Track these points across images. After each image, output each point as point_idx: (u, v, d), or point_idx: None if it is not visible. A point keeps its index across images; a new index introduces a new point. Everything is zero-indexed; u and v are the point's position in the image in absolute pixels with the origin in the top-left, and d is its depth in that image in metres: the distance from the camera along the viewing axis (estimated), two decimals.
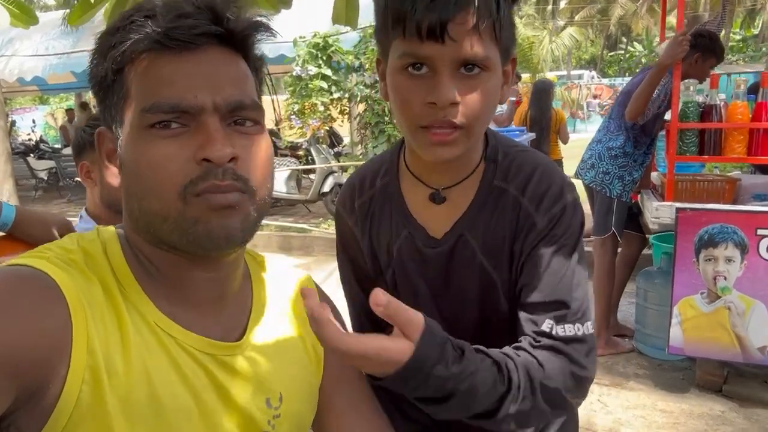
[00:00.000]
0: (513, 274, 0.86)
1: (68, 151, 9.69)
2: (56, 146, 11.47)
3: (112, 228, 0.69)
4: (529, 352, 0.78)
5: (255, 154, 0.64)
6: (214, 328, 0.68)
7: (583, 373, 0.79)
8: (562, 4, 27.73)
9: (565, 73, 21.92)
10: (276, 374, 0.72)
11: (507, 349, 0.79)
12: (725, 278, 2.55)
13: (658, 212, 2.69)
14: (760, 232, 2.48)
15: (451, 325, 0.78)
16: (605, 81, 21.43)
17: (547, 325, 0.80)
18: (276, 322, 0.76)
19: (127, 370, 0.59)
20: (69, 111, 12.21)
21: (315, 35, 6.43)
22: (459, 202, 0.88)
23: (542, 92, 5.58)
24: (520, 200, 0.86)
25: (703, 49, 2.83)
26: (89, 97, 13.61)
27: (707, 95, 2.65)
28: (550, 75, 17.91)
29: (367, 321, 0.97)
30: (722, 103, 2.60)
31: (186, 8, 0.62)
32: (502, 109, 5.84)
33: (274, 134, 8.29)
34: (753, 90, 2.66)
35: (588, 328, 0.82)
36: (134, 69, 0.62)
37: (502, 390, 0.73)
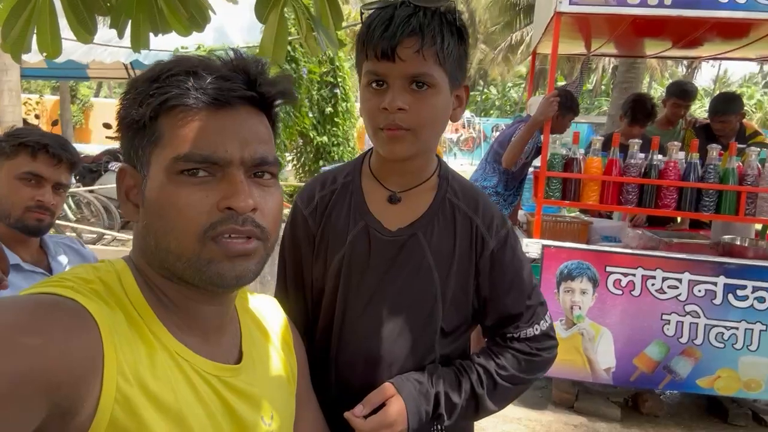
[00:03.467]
0: (457, 282, 1.03)
1: None
2: None
3: (121, 260, 0.73)
4: (493, 352, 1.06)
5: (271, 204, 0.71)
6: (218, 352, 0.74)
7: (536, 359, 1.06)
8: None
9: None
10: (268, 393, 0.79)
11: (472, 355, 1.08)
12: (580, 308, 2.95)
13: (527, 248, 3.03)
14: (608, 268, 2.91)
15: (390, 313, 1.01)
16: (465, 115, 23.05)
17: (509, 333, 1.06)
18: (261, 346, 0.84)
19: (159, 390, 0.64)
20: None
21: (199, 47, 6.26)
22: (414, 206, 1.04)
23: None
24: (473, 218, 1.04)
25: (564, 107, 3.29)
26: None
27: (570, 149, 3.06)
28: None
29: (294, 290, 1.10)
30: (581, 156, 3.02)
31: (224, 70, 0.69)
32: None
33: None
34: (605, 146, 3.12)
35: (541, 326, 1.07)
36: (170, 118, 0.67)
37: (467, 383, 1.01)
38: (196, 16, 1.99)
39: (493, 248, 1.03)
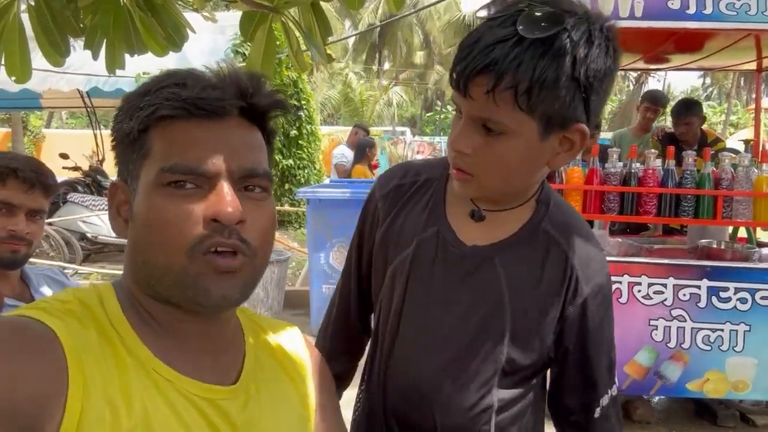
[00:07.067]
0: (533, 324, 0.89)
1: None
2: None
3: (108, 283, 0.71)
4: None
5: (260, 219, 0.68)
6: (209, 374, 0.69)
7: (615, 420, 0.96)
8: (386, 66, 29.94)
9: (390, 128, 23.49)
10: (269, 422, 0.73)
11: None
12: None
13: None
14: None
15: (444, 335, 0.89)
16: (426, 138, 23.44)
17: (596, 407, 0.93)
18: (271, 373, 0.78)
19: (128, 413, 0.60)
20: None
21: (161, 72, 6.14)
22: (499, 227, 0.90)
23: (360, 148, 6.24)
24: (569, 256, 0.88)
25: None
26: None
27: None
28: (377, 130, 19.24)
29: (356, 290, 1.05)
30: (562, 167, 3.05)
31: (213, 81, 0.67)
32: (346, 160, 6.20)
33: (99, 172, 7.62)
34: (584, 157, 3.17)
35: (614, 390, 0.95)
36: (159, 130, 0.66)
37: None
38: (173, 36, 1.93)
39: (587, 296, 0.88)
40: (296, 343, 0.85)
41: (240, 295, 0.67)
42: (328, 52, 2.12)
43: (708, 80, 34.25)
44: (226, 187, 0.65)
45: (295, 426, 0.77)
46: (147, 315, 0.67)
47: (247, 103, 0.68)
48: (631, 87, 26.52)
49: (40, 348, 0.58)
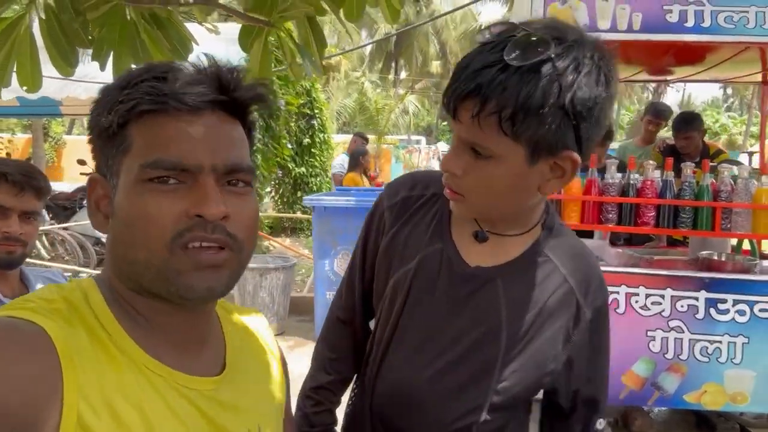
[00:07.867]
0: (528, 352, 0.89)
1: None
2: None
3: (89, 278, 0.71)
4: None
5: (244, 213, 0.68)
6: (196, 365, 0.71)
7: None
8: (402, 75, 30.11)
9: (406, 137, 23.59)
10: (254, 406, 0.76)
11: None
12: None
13: None
14: None
15: (437, 350, 0.91)
16: (441, 146, 23.50)
17: (593, 426, 0.97)
18: (250, 360, 0.81)
19: (126, 410, 0.61)
20: None
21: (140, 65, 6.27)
22: (502, 249, 0.91)
23: (353, 157, 6.36)
24: (568, 280, 0.90)
25: None
26: None
27: None
28: (393, 138, 19.41)
29: (360, 296, 1.06)
30: None
31: (195, 75, 0.66)
32: (344, 170, 6.32)
33: None
34: (583, 168, 3.19)
35: (602, 422, 0.97)
36: (139, 125, 0.65)
37: None
38: (178, 48, 2.01)
39: (590, 319, 0.91)
40: (266, 331, 0.89)
41: (225, 288, 0.67)
42: (324, 64, 2.19)
43: (729, 90, 33.89)
44: (210, 183, 0.64)
45: (274, 410, 0.82)
46: (132, 310, 0.67)
47: (228, 97, 0.67)
48: (650, 97, 26.33)
49: (34, 348, 0.58)
